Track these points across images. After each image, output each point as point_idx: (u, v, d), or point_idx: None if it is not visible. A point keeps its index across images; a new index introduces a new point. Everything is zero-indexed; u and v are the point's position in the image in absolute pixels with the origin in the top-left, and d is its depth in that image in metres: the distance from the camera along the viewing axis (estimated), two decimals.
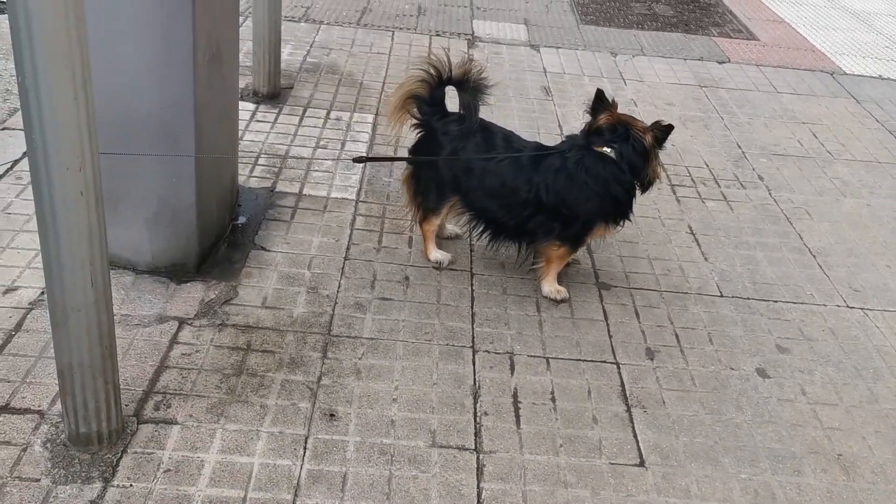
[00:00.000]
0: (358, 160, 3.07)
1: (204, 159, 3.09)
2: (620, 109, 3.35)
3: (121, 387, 2.50)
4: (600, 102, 3.25)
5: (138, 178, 3.02)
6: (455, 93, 3.32)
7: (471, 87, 3.26)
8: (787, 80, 6.16)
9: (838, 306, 3.58)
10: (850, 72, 6.48)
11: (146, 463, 2.39)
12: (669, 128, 3.21)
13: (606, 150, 3.19)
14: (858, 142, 5.25)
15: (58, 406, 2.49)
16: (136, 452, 2.42)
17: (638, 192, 3.30)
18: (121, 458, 2.40)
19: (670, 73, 6.06)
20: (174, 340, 2.88)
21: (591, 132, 3.25)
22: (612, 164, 3.19)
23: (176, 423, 2.54)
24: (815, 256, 3.93)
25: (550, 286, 3.38)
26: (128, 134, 2.91)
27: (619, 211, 3.28)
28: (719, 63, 6.38)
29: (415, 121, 3.38)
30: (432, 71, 3.26)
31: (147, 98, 2.89)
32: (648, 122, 3.30)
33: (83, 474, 2.33)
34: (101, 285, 2.14)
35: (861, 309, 3.58)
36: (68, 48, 1.80)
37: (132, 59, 2.82)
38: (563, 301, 3.37)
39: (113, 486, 2.31)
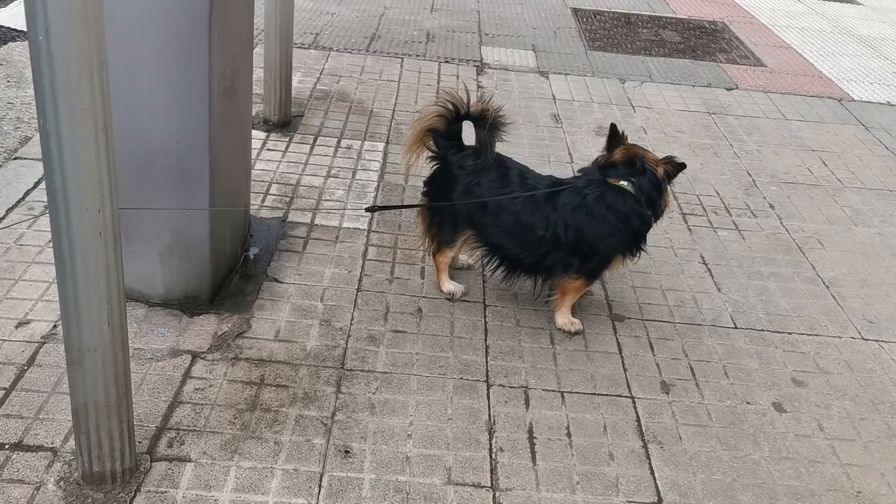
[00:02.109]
0: (370, 209, 3.09)
1: (217, 195, 3.09)
2: (629, 138, 3.37)
3: (134, 424, 2.48)
4: (615, 138, 3.26)
5: (152, 212, 3.02)
6: (472, 126, 3.32)
7: (488, 124, 3.26)
8: (795, 107, 6.17)
9: (853, 338, 3.56)
10: (858, 98, 6.49)
11: (160, 502, 2.37)
12: (682, 166, 3.23)
13: (624, 183, 3.19)
14: (868, 169, 5.25)
15: (71, 443, 2.48)
16: (149, 491, 2.40)
17: (654, 223, 3.30)
18: (134, 497, 2.38)
19: (679, 99, 6.07)
20: (187, 375, 2.86)
21: (605, 165, 3.25)
22: (631, 197, 3.19)
23: (189, 460, 2.53)
24: (828, 287, 3.92)
25: (565, 318, 3.36)
26: (143, 168, 2.92)
27: (636, 243, 3.27)
28: (727, 89, 6.40)
29: (431, 153, 3.38)
30: (450, 105, 3.26)
31: (163, 133, 2.89)
32: (660, 150, 3.30)
33: None
34: (117, 325, 2.13)
35: (876, 341, 3.55)
36: (91, 93, 1.81)
37: (148, 95, 2.83)
38: (577, 333, 3.35)
39: None
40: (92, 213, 1.93)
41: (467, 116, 3.27)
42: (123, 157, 2.86)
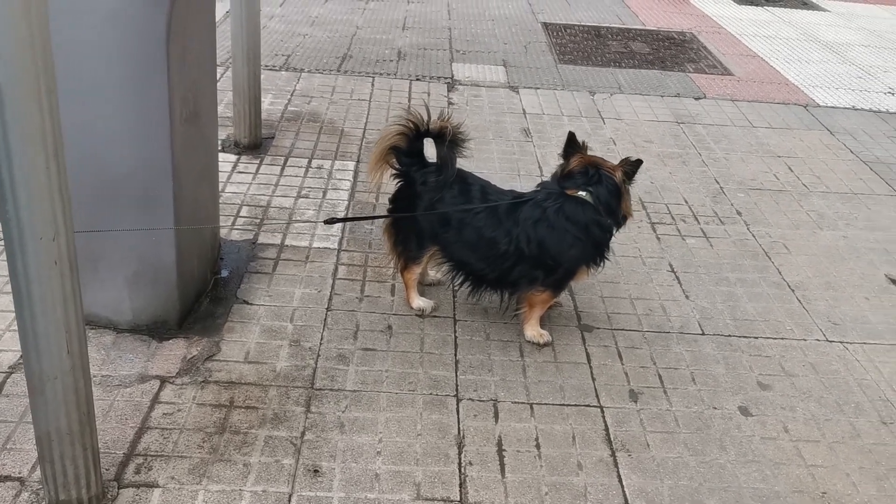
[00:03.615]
0: (329, 222, 3.12)
1: (184, 219, 3.11)
2: (599, 149, 3.42)
3: (101, 450, 2.49)
4: (571, 146, 3.30)
5: (118, 238, 3.03)
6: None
7: (448, 141, 3.30)
8: (762, 114, 6.26)
9: (818, 340, 3.61)
10: (823, 104, 6.59)
11: None
12: (638, 162, 3.25)
13: (582, 193, 3.23)
14: (833, 174, 5.33)
15: (38, 473, 2.48)
16: None
17: (615, 231, 3.34)
18: None
19: (648, 110, 6.14)
20: (156, 400, 2.87)
21: (563, 176, 3.29)
22: (590, 207, 3.23)
23: (157, 486, 2.53)
24: (793, 291, 3.97)
25: (533, 330, 3.39)
26: (107, 195, 2.94)
27: (599, 253, 3.31)
28: (695, 99, 6.48)
29: (394, 171, 3.41)
30: (410, 124, 3.30)
31: (123, 159, 2.91)
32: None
33: None
34: (77, 352, 2.14)
35: (841, 342, 3.60)
36: (40, 119, 1.83)
37: (106, 120, 2.85)
38: (546, 345, 3.38)
39: None
40: (46, 242, 1.95)
41: (427, 134, 3.31)
42: (86, 185, 2.88)
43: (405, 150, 3.35)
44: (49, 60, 1.83)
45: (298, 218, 4.18)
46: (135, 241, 3.05)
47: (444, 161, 3.29)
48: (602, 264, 3.36)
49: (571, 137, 3.33)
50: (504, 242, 3.25)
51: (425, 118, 3.30)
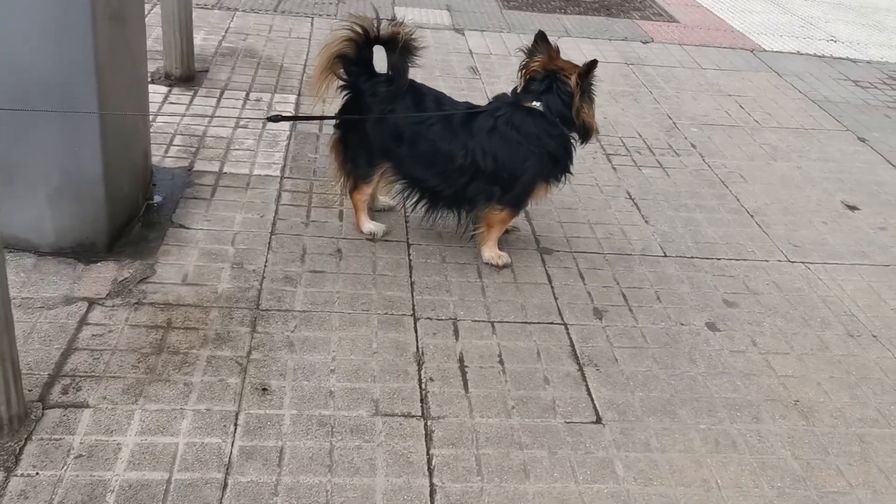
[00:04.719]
0: (273, 119, 2.85)
1: (110, 130, 2.83)
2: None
3: (22, 372, 2.23)
4: (539, 44, 3.09)
5: (36, 149, 2.74)
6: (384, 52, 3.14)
7: (400, 48, 3.08)
8: (709, 58, 6.19)
9: (780, 261, 3.53)
10: (769, 49, 6.56)
11: (54, 450, 2.13)
12: (592, 63, 3.01)
13: (536, 104, 3.04)
14: (784, 111, 5.28)
15: None
16: (41, 439, 2.15)
17: (578, 145, 3.17)
18: (24, 445, 2.13)
19: (597, 52, 6.01)
20: (83, 322, 2.61)
21: (524, 85, 3.10)
22: (540, 118, 3.04)
23: (87, 406, 2.28)
24: (752, 216, 3.89)
25: (491, 252, 3.22)
26: (21, 100, 2.63)
27: (558, 167, 3.14)
28: (643, 43, 6.38)
29: (341, 83, 3.18)
30: (359, 29, 3.08)
31: (42, 59, 2.62)
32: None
33: None
34: None
35: (803, 263, 3.53)
36: None
37: (25, 17, 2.55)
38: (504, 266, 3.22)
39: (16, 475, 2.04)
40: None
41: (377, 41, 3.08)
42: None
43: (353, 58, 3.12)
44: None
45: (238, 147, 3.91)
46: (56, 151, 2.76)
47: (397, 69, 3.08)
48: (563, 179, 3.20)
49: (541, 35, 3.11)
50: (461, 156, 3.06)
51: (374, 24, 3.08)
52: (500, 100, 3.18)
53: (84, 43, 2.64)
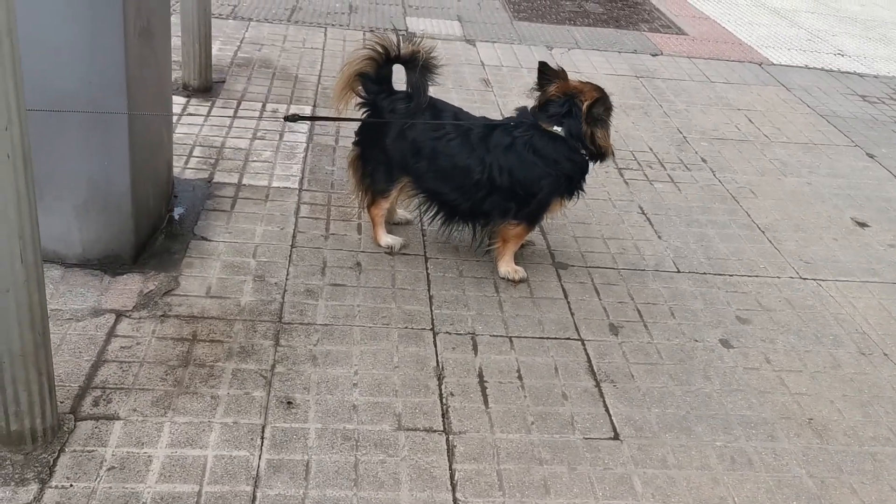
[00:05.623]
0: (290, 119, 2.89)
1: (138, 142, 2.88)
2: None
3: (55, 381, 2.28)
4: (544, 75, 3.17)
5: (66, 161, 2.79)
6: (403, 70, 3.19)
7: (419, 66, 3.13)
8: (718, 71, 6.25)
9: (791, 278, 3.58)
10: (777, 62, 6.62)
11: (87, 462, 2.18)
12: (601, 98, 3.09)
13: (557, 129, 3.10)
14: (793, 126, 5.34)
15: None
16: (74, 451, 2.20)
17: (591, 165, 3.22)
18: (58, 457, 2.17)
19: (606, 64, 6.07)
20: (112, 334, 2.66)
21: (540, 108, 3.16)
22: (562, 143, 3.11)
23: (118, 418, 2.33)
24: (763, 232, 3.94)
25: (508, 266, 3.27)
26: (50, 115, 2.68)
27: (573, 185, 3.20)
28: (652, 55, 6.44)
29: (360, 100, 3.24)
30: (379, 48, 3.13)
31: (73, 74, 2.67)
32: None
33: (17, 476, 2.09)
34: (31, 262, 1.93)
35: (814, 280, 3.58)
36: None
37: (56, 34, 2.60)
38: (521, 281, 3.27)
39: (51, 487, 2.09)
40: None
41: (397, 59, 3.14)
42: (29, 103, 2.62)
43: (373, 76, 3.17)
44: None
45: (256, 159, 3.96)
46: (85, 164, 2.81)
47: (416, 87, 3.13)
48: (577, 196, 3.26)
49: (542, 67, 3.19)
50: (478, 171, 3.11)
51: (395, 42, 3.13)
52: (521, 115, 3.23)
53: (115, 59, 2.69)
